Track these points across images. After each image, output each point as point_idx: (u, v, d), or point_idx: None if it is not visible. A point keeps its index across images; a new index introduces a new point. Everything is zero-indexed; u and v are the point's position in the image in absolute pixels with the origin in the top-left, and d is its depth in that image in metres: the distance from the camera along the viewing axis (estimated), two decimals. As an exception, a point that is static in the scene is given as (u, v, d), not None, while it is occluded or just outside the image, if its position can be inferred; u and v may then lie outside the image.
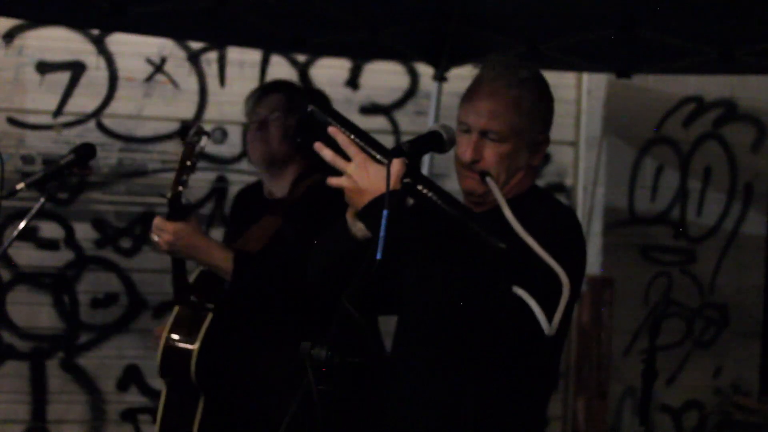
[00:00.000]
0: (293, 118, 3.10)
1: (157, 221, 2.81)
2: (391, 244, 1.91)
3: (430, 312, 2.09)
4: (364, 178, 2.09)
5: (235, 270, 2.81)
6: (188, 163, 2.78)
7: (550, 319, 2.01)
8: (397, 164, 2.07)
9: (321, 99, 2.05)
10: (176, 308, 2.87)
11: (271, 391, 2.94)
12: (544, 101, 2.34)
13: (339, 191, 2.19)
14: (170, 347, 2.82)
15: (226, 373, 2.94)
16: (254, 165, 3.31)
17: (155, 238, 2.82)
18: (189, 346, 2.79)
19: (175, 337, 2.82)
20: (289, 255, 2.85)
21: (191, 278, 2.94)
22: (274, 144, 3.12)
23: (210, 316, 2.84)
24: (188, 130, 2.91)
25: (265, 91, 3.27)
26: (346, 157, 2.12)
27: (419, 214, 2.07)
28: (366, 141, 2.15)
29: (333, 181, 2.13)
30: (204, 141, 2.83)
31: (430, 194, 2.08)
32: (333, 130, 2.13)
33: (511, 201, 2.23)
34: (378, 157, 2.12)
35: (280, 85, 3.32)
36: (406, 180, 2.06)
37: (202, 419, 2.85)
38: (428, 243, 2.05)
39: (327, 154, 2.12)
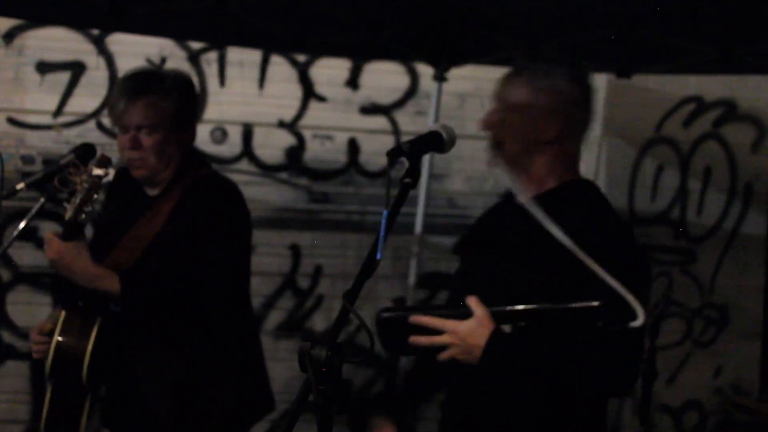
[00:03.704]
0: (163, 130, 2.93)
1: (47, 235, 2.79)
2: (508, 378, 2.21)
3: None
4: (464, 339, 2.22)
5: (123, 293, 2.79)
6: (95, 195, 2.73)
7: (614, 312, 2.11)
8: (486, 326, 2.21)
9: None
10: (63, 312, 2.86)
11: (167, 394, 2.95)
12: (543, 93, 2.41)
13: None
14: (61, 351, 2.82)
15: (117, 376, 2.95)
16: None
17: (46, 251, 2.81)
18: (80, 350, 2.80)
19: (66, 341, 2.82)
20: (178, 263, 2.86)
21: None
22: (152, 162, 2.95)
23: (98, 320, 2.84)
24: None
25: (133, 94, 2.94)
26: (436, 332, 2.25)
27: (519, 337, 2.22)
28: (440, 310, 2.33)
29: (444, 355, 2.25)
30: (111, 173, 2.75)
31: (521, 315, 2.22)
32: (414, 319, 2.26)
33: (545, 196, 2.33)
34: (456, 314, 2.26)
35: (143, 86, 2.96)
36: (406, 180, 2.06)
37: (88, 414, 2.89)
38: (535, 362, 2.22)
39: (423, 341, 2.25)
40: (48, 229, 4.69)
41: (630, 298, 2.11)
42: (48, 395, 2.91)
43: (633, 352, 2.22)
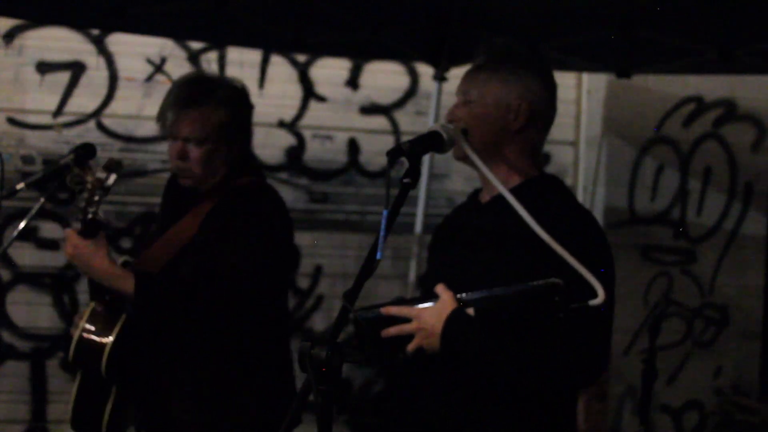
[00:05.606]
0: (211, 143, 2.92)
1: (67, 232, 2.82)
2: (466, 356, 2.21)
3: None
4: (428, 322, 2.22)
5: (136, 295, 2.80)
6: (96, 197, 2.75)
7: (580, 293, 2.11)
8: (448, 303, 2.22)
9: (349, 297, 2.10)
10: (91, 304, 2.89)
11: (192, 400, 2.94)
12: (509, 84, 2.40)
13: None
14: (83, 341, 2.86)
15: (137, 371, 2.96)
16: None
17: (65, 246, 2.84)
18: (102, 342, 2.83)
19: (89, 332, 2.86)
20: (198, 272, 2.85)
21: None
22: (198, 173, 2.95)
23: (124, 316, 2.87)
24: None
25: (184, 105, 2.92)
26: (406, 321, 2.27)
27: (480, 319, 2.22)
28: (408, 301, 2.38)
29: (411, 346, 2.24)
30: (113, 178, 2.75)
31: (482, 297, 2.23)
32: (385, 310, 2.28)
33: (517, 189, 2.33)
34: (424, 305, 2.27)
35: (194, 97, 2.93)
36: (406, 180, 2.06)
37: (113, 407, 2.91)
38: (496, 344, 2.21)
39: (392, 331, 2.26)
40: (48, 230, 4.75)
41: (590, 277, 2.12)
42: (77, 382, 2.95)
43: (594, 334, 2.20)
